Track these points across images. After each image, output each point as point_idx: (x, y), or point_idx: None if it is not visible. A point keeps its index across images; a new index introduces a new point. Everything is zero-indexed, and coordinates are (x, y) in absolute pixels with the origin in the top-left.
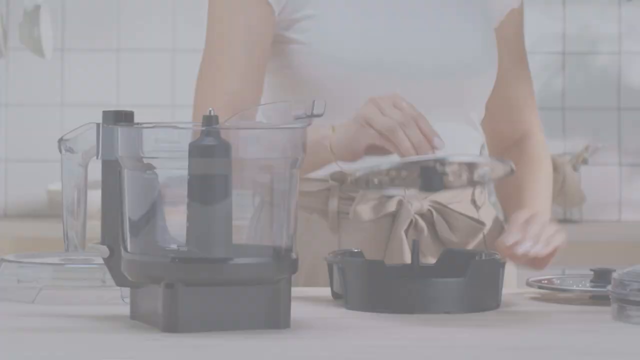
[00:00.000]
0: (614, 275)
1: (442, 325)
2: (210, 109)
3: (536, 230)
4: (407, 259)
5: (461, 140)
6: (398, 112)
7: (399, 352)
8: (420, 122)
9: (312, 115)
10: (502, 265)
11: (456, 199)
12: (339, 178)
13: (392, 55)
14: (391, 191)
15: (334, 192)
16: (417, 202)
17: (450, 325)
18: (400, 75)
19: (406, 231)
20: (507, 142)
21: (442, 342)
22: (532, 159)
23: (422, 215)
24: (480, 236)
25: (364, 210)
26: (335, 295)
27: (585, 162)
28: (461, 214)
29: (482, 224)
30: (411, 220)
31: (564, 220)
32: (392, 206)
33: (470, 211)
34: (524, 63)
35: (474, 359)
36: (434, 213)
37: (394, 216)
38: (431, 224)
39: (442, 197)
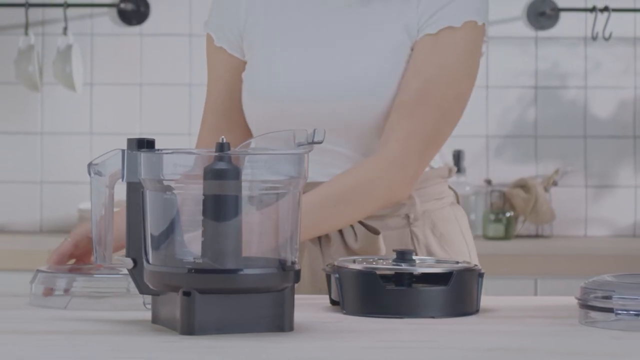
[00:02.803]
0: (581, 284)
1: (428, 328)
2: (222, 137)
3: None
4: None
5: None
6: None
7: (390, 353)
8: None
9: (313, 142)
10: (481, 275)
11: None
12: None
13: (299, 85)
14: None
15: None
16: None
17: (435, 329)
18: (307, 102)
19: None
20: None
21: (428, 344)
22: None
23: None
24: (380, 243)
25: None
26: (333, 302)
27: (555, 184)
28: (360, 223)
29: (377, 232)
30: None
31: (537, 236)
32: None
33: (397, 223)
34: (419, 73)
35: (456, 359)
36: None
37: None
38: (341, 234)
39: None
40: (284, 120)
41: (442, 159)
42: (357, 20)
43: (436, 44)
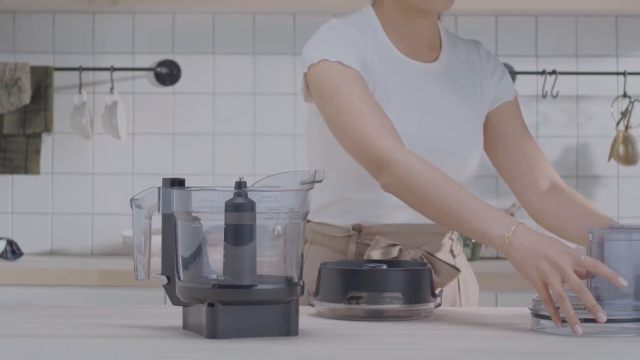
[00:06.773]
0: (533, 297)
1: (411, 333)
2: (241, 176)
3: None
4: None
5: None
6: (573, 283)
7: (380, 353)
8: (584, 295)
9: (314, 182)
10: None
11: (440, 250)
12: (358, 228)
13: (406, 139)
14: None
15: (353, 238)
16: (413, 250)
17: (417, 334)
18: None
19: None
20: (544, 186)
21: (412, 346)
22: (575, 195)
23: (416, 260)
24: (455, 279)
25: (375, 254)
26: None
27: (512, 215)
28: (443, 261)
29: (458, 270)
30: None
31: (497, 258)
32: (395, 252)
33: (449, 259)
34: (527, 131)
35: (435, 358)
36: (424, 259)
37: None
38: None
39: (430, 247)
40: None
41: None
42: (447, 89)
43: (515, 104)
